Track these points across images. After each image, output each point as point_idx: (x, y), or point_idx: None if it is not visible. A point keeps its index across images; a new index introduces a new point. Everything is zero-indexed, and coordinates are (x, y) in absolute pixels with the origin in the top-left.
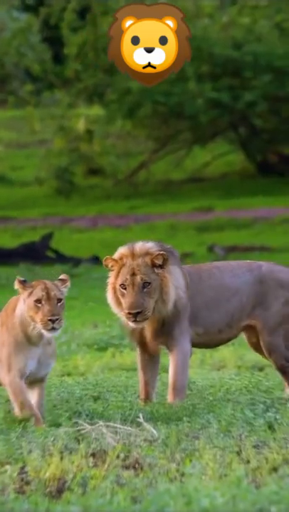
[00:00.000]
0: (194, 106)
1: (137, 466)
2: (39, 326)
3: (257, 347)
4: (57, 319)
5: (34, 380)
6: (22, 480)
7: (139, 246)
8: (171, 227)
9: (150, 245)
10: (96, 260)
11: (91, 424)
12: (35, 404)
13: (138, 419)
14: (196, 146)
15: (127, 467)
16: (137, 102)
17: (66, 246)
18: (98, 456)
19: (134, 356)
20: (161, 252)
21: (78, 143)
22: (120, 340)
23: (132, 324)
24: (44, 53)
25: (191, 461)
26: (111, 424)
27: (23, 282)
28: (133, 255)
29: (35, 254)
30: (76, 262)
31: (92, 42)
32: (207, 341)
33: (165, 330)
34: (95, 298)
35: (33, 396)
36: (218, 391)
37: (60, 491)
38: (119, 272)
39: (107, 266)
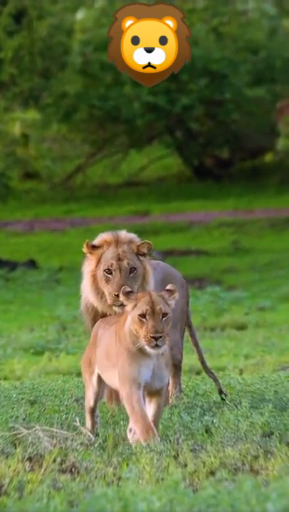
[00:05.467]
0: (131, 110)
1: (73, 470)
2: (142, 342)
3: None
4: (160, 336)
5: (149, 393)
6: None
7: (124, 234)
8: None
9: (133, 235)
10: (32, 264)
11: (28, 429)
12: (151, 420)
13: (74, 423)
14: (133, 149)
15: (63, 471)
16: (73, 105)
17: (2, 250)
18: (35, 460)
19: (70, 360)
20: (147, 241)
21: (14, 147)
22: (57, 344)
23: (117, 309)
24: None
25: (128, 465)
26: (48, 428)
27: (127, 294)
28: (118, 242)
29: None
30: (12, 266)
31: (27, 46)
32: None
33: None
34: (31, 302)
35: (149, 411)
36: None
37: None
38: (99, 259)
39: (87, 251)
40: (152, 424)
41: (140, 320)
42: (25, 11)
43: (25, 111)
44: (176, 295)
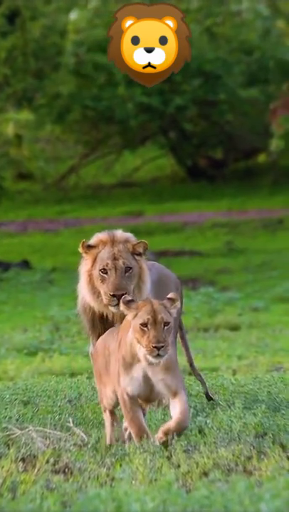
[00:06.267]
0: (124, 110)
1: (66, 470)
2: (144, 351)
3: None
4: (162, 346)
5: (168, 400)
6: None
7: (119, 233)
8: None
9: (129, 234)
10: (25, 265)
11: (21, 429)
12: (174, 422)
13: (68, 424)
14: (126, 150)
15: (57, 472)
16: (67, 106)
17: None
18: (28, 460)
19: (63, 361)
20: (143, 241)
21: (7, 147)
22: (50, 345)
23: (113, 309)
24: None
25: (121, 465)
26: (41, 428)
27: (128, 303)
28: (113, 241)
29: None
30: (6, 266)
31: (21, 46)
32: None
33: None
34: (25, 302)
35: (173, 415)
36: None
37: None
38: (95, 259)
39: (83, 251)
40: (146, 427)
41: (142, 329)
42: (19, 12)
43: (18, 111)
44: (178, 304)
